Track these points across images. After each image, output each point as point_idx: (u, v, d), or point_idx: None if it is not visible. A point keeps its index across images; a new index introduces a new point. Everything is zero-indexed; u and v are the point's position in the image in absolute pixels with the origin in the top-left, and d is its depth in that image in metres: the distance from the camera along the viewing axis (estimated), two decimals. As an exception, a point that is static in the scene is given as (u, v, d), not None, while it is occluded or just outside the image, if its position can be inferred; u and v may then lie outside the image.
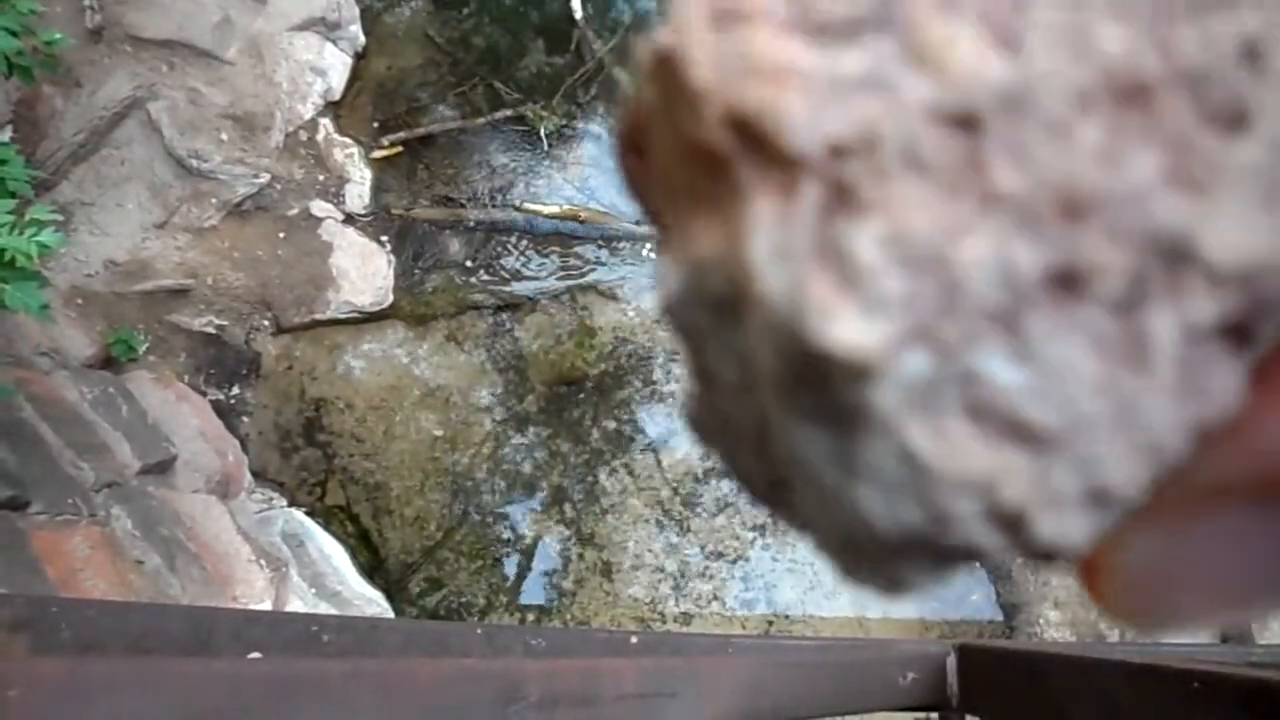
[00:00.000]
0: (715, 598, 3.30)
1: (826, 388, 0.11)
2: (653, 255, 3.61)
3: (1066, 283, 0.11)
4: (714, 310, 0.12)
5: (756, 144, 0.11)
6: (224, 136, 3.49)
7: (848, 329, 0.10)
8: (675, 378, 3.55)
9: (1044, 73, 0.10)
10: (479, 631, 0.70)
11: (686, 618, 3.30)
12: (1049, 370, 0.11)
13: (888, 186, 0.10)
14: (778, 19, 0.11)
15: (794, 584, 3.28)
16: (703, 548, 3.36)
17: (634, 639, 0.73)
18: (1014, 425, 0.11)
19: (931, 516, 0.11)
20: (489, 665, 0.48)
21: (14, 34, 1.68)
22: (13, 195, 1.42)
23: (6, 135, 2.19)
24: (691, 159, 0.11)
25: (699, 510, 3.39)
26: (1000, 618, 3.09)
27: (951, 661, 0.73)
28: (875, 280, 0.10)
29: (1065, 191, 0.10)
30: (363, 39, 3.75)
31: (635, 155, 0.13)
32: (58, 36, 1.96)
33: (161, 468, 2.68)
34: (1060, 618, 2.89)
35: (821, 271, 0.10)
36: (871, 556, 0.13)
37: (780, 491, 0.13)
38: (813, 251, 0.11)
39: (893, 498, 0.11)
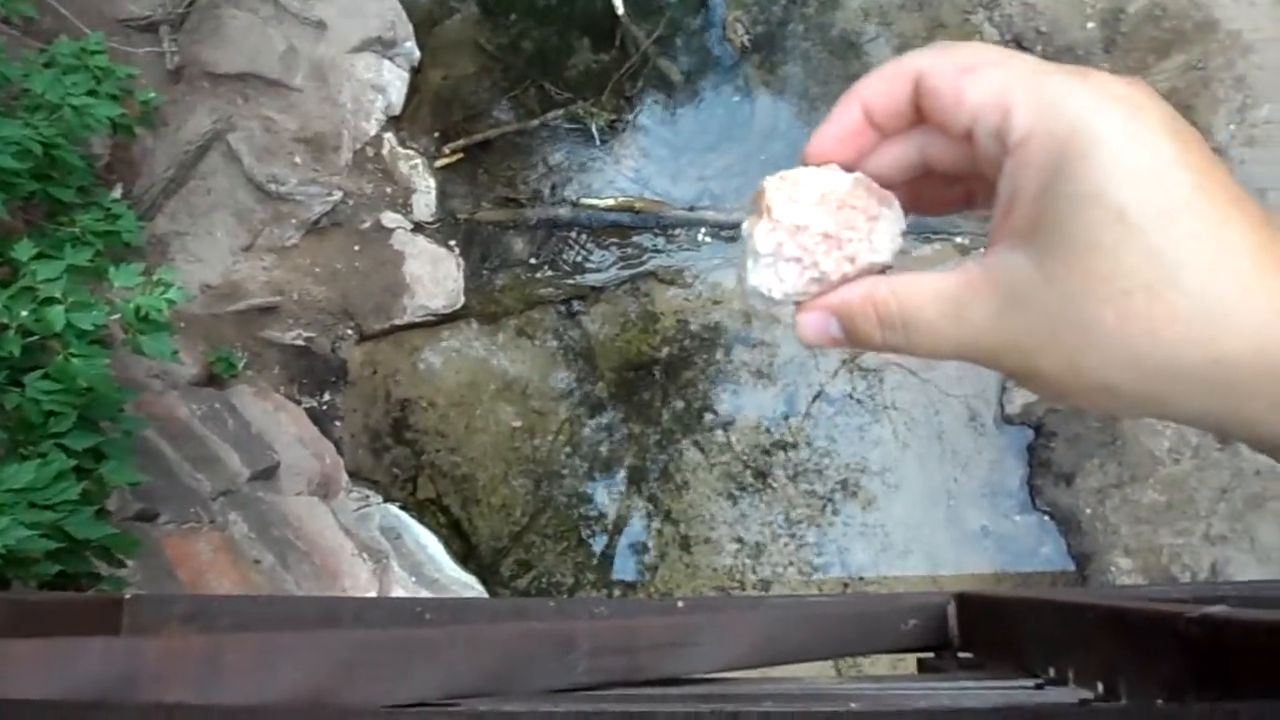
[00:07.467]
0: (791, 564, 3.42)
1: (749, 242, 0.46)
2: (707, 240, 3.75)
3: (799, 259, 0.47)
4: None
5: (767, 210, 0.46)
6: (297, 159, 3.71)
7: (759, 236, 0.46)
8: (735, 355, 3.67)
9: (805, 223, 0.46)
10: (551, 604, 0.85)
11: (765, 584, 3.44)
12: (793, 269, 0.46)
13: (780, 231, 0.46)
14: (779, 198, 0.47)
15: (865, 547, 3.39)
16: (776, 517, 3.48)
17: (680, 603, 0.87)
18: (786, 270, 0.47)
19: (766, 290, 0.47)
20: (550, 627, 0.63)
21: (115, 98, 1.89)
22: (126, 245, 1.62)
23: (117, 192, 2.42)
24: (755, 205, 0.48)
25: (770, 481, 3.52)
26: (1072, 568, 3.15)
27: (951, 609, 0.86)
28: (769, 235, 0.46)
29: (806, 247, 0.46)
30: (418, 53, 3.93)
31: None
32: (152, 95, 2.17)
33: (267, 474, 2.92)
34: (1131, 564, 2.94)
35: (763, 235, 0.46)
36: (750, 295, 0.47)
37: (742, 269, 0.48)
38: (763, 228, 0.46)
39: (756, 275, 0.47)
